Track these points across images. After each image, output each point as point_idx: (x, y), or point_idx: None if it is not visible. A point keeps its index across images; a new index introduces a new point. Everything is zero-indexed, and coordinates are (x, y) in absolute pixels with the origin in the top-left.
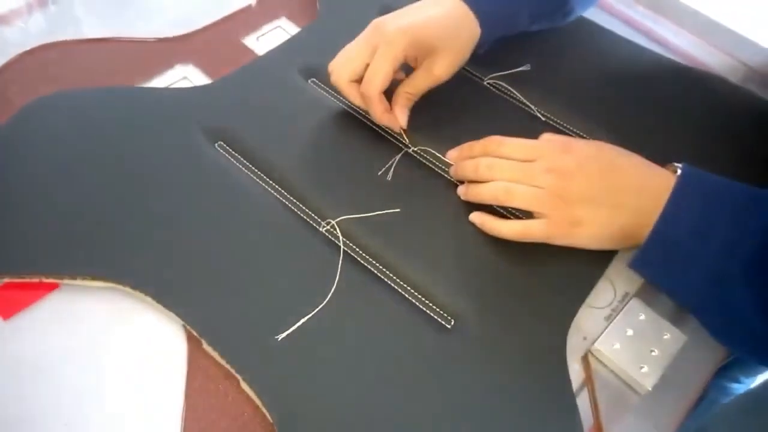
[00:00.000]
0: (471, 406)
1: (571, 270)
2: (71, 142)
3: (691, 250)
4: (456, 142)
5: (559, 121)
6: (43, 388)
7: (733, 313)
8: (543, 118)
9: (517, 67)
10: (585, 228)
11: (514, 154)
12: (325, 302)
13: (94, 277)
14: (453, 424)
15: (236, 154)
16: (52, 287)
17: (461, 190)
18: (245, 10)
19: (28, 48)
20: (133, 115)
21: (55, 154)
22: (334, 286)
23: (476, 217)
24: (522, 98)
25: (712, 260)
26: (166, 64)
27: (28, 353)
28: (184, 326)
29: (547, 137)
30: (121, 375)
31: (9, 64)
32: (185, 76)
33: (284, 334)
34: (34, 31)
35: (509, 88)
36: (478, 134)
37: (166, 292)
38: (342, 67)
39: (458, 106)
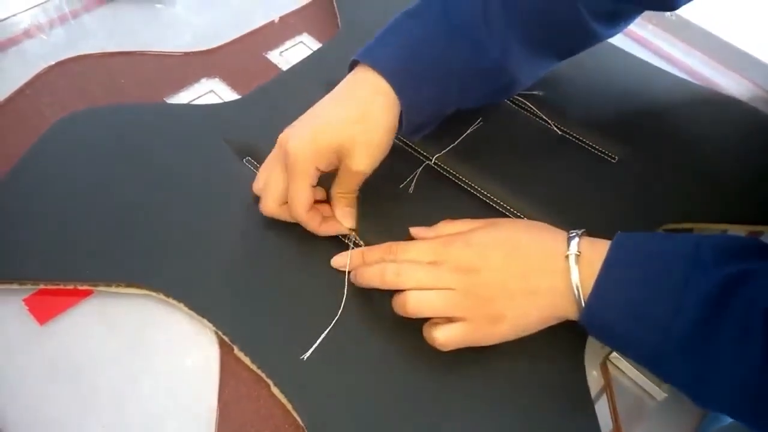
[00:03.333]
0: (492, 410)
1: None
2: (104, 156)
3: (624, 332)
4: (475, 153)
5: (576, 136)
6: (80, 391)
7: (675, 383)
8: (560, 132)
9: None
10: (507, 321)
11: (420, 258)
12: (340, 311)
13: (129, 284)
14: (474, 427)
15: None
16: (87, 293)
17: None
18: (268, 26)
19: (54, 61)
20: (164, 131)
21: (89, 168)
22: (344, 296)
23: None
24: (539, 113)
25: (647, 340)
26: (193, 78)
27: (64, 357)
28: (216, 332)
29: (445, 233)
30: (156, 378)
31: (39, 76)
32: (212, 89)
33: (308, 353)
34: (61, 44)
35: (526, 102)
36: (494, 146)
37: (198, 300)
38: (265, 196)
39: (475, 119)
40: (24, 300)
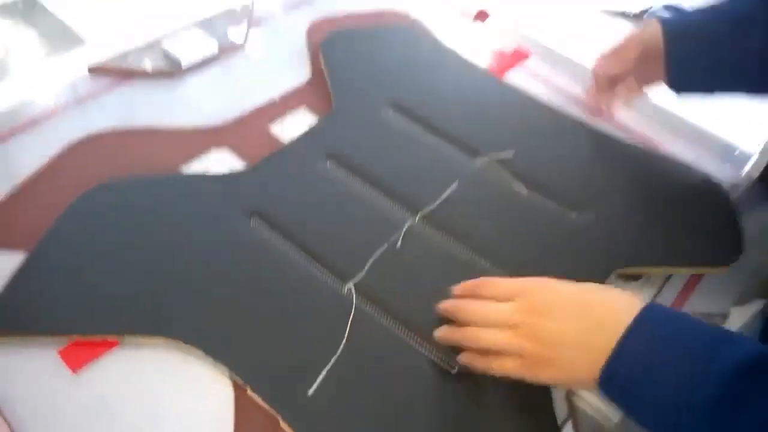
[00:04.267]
0: None
1: None
2: (128, 222)
3: (642, 393)
4: (452, 211)
5: (540, 194)
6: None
7: None
8: (526, 191)
9: (502, 153)
10: (555, 367)
11: (496, 294)
12: (339, 352)
13: (152, 335)
14: None
15: (270, 228)
16: (114, 344)
17: (439, 333)
18: (270, 103)
19: (78, 138)
20: (180, 198)
21: (114, 232)
22: (344, 340)
23: (464, 358)
24: (508, 174)
25: (663, 406)
26: (204, 150)
27: (95, 401)
28: (230, 377)
29: (528, 281)
30: (179, 418)
31: (63, 153)
32: (221, 158)
33: (312, 388)
34: (83, 122)
35: (497, 164)
36: (467, 205)
37: (213, 347)
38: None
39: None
40: (59, 351)
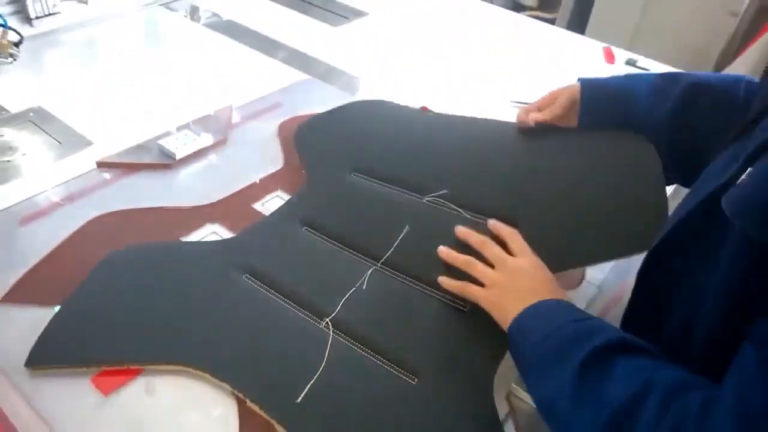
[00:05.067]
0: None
1: (492, 343)
2: (142, 276)
3: (524, 351)
4: (409, 251)
5: (480, 217)
6: None
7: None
8: (469, 217)
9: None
10: (501, 303)
11: (493, 255)
12: (320, 370)
13: (168, 362)
14: None
15: (259, 282)
16: (138, 371)
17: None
18: (252, 185)
19: (94, 216)
20: (188, 257)
21: (132, 283)
22: (324, 362)
23: (444, 281)
24: (452, 205)
25: (539, 365)
26: (200, 224)
27: (124, 418)
28: (233, 393)
29: (515, 262)
30: (192, 425)
31: (82, 228)
32: (214, 231)
33: (300, 397)
34: (97, 204)
35: (439, 200)
36: (420, 240)
37: (218, 369)
38: None
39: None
40: (91, 378)
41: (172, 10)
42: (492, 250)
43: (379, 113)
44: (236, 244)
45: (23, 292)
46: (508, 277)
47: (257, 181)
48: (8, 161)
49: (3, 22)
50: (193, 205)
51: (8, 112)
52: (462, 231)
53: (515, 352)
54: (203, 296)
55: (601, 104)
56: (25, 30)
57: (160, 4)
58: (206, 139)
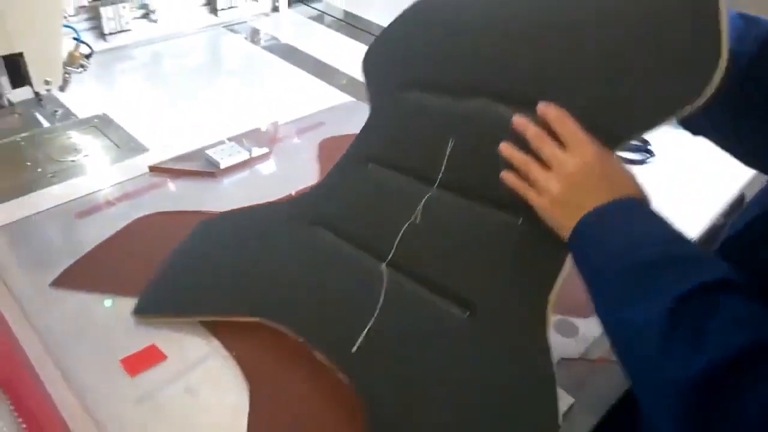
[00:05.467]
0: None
1: (545, 266)
2: (223, 234)
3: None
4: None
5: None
6: (156, 413)
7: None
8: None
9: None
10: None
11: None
12: (376, 313)
13: (252, 316)
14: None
15: (324, 229)
16: (162, 357)
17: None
18: (288, 197)
19: (142, 215)
20: (264, 217)
21: (220, 245)
22: (379, 305)
23: (507, 177)
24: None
25: (598, 261)
26: None
27: (147, 394)
28: (243, 373)
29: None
30: (207, 406)
31: (129, 225)
32: None
33: (356, 345)
34: (147, 205)
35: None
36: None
37: (294, 323)
38: None
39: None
40: (120, 360)
41: (234, 31)
42: (546, 149)
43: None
44: (304, 198)
45: (73, 279)
46: (565, 184)
47: (293, 193)
48: (72, 161)
49: (77, 36)
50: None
51: (76, 117)
52: (519, 122)
53: (580, 257)
54: (277, 252)
55: None
56: (99, 44)
57: (224, 26)
58: (250, 151)
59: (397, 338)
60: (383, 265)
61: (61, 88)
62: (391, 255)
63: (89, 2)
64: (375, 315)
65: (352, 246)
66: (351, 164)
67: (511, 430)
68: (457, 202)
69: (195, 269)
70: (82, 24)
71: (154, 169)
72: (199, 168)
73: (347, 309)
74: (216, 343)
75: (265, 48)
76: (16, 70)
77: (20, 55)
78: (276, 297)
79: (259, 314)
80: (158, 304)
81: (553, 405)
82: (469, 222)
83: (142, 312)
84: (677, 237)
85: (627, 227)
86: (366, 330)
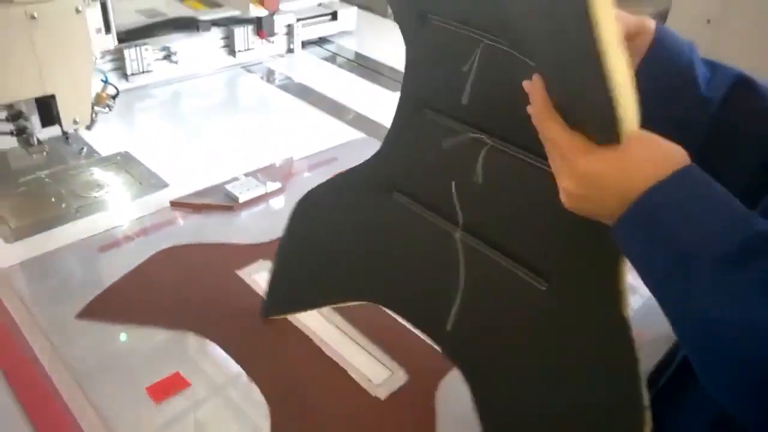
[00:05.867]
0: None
1: None
2: (326, 218)
3: (670, 225)
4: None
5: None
6: None
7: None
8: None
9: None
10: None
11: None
12: (462, 286)
13: (354, 298)
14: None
15: (404, 196)
16: (185, 384)
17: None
18: None
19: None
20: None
21: (320, 227)
22: (462, 273)
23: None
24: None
25: (686, 242)
26: (254, 260)
27: (171, 420)
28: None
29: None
30: (233, 428)
31: (153, 257)
32: (265, 267)
33: (449, 324)
34: (168, 238)
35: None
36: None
37: (389, 302)
38: None
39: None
40: (146, 388)
41: (250, 72)
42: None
43: None
44: (378, 160)
45: (98, 310)
46: (581, 185)
47: None
48: (95, 197)
49: (104, 78)
50: (249, 243)
51: (99, 154)
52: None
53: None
54: (369, 230)
55: (672, 49)
56: (122, 84)
57: (241, 67)
58: (267, 186)
59: (486, 313)
60: (458, 232)
61: (88, 127)
62: (461, 220)
63: (115, 46)
64: (461, 288)
65: (425, 209)
66: (407, 112)
67: (598, 419)
68: (518, 162)
69: (301, 261)
70: (106, 65)
71: (174, 204)
72: (219, 202)
73: (434, 281)
74: (237, 369)
75: (279, 87)
76: (47, 110)
77: (52, 97)
78: (376, 278)
79: (367, 297)
80: (282, 304)
81: (638, 392)
82: (538, 184)
83: (269, 314)
84: (739, 208)
85: (694, 206)
86: (455, 308)
